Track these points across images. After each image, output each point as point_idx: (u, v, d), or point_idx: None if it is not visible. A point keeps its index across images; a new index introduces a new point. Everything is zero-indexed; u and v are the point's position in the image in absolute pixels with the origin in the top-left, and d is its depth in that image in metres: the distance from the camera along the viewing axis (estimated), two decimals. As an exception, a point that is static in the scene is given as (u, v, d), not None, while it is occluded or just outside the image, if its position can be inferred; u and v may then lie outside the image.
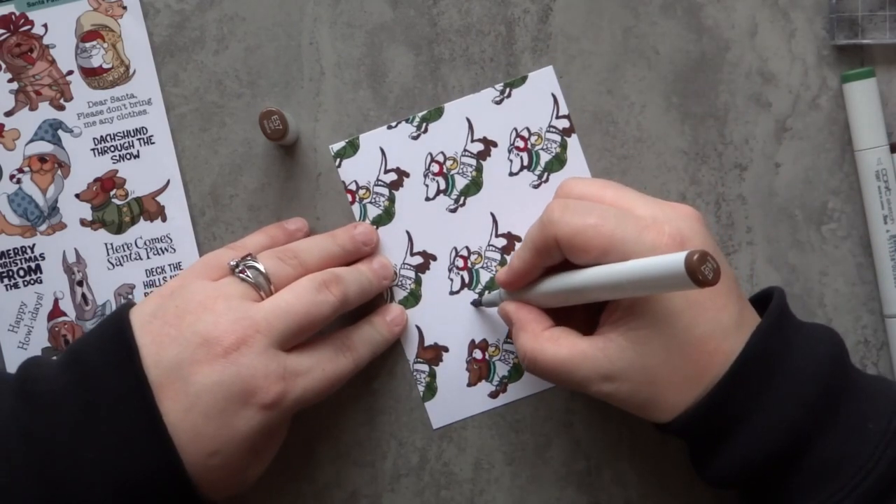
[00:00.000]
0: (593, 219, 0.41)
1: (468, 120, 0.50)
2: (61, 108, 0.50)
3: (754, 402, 0.41)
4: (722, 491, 0.49)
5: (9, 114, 0.50)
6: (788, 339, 0.42)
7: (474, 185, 0.50)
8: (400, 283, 0.50)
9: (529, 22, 0.50)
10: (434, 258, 0.50)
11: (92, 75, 0.50)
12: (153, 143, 0.50)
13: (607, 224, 0.41)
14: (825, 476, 0.41)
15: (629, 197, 0.44)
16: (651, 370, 0.41)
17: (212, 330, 0.42)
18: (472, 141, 0.50)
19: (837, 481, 0.40)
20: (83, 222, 0.50)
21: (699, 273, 0.34)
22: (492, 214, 0.50)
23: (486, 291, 0.50)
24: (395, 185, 0.50)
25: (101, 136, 0.50)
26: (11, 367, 0.50)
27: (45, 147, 0.50)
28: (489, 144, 0.50)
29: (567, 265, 0.43)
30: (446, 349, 0.50)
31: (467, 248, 0.50)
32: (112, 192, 0.50)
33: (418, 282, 0.50)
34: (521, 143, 0.50)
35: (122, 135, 0.50)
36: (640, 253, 0.40)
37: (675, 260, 0.35)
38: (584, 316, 0.46)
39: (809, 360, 0.42)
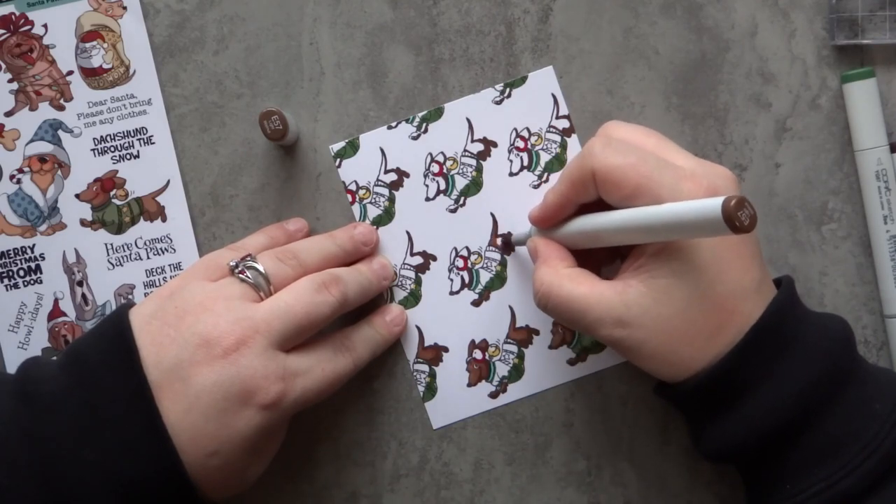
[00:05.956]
0: (633, 158, 0.42)
1: (468, 120, 0.50)
2: (61, 108, 0.50)
3: (765, 371, 0.41)
4: (721, 465, 0.48)
5: (9, 114, 0.50)
6: (801, 317, 0.43)
7: (474, 186, 0.50)
8: (400, 284, 0.50)
9: (529, 22, 0.50)
10: (434, 258, 0.50)
11: (92, 75, 0.50)
12: (153, 143, 0.50)
13: (646, 165, 0.41)
14: (828, 453, 0.41)
15: (670, 148, 0.44)
16: (666, 321, 0.41)
17: (211, 330, 0.42)
18: (472, 141, 0.50)
19: (840, 459, 0.40)
20: (83, 222, 0.50)
21: (736, 219, 0.34)
22: (492, 214, 0.50)
23: (484, 292, 0.50)
24: (395, 186, 0.50)
25: (101, 137, 0.50)
26: (11, 368, 0.50)
27: (45, 147, 0.50)
28: (489, 144, 0.50)
29: (600, 209, 0.43)
30: (446, 349, 0.50)
31: (467, 248, 0.50)
32: (112, 193, 0.50)
33: (418, 282, 0.50)
34: (521, 144, 0.50)
35: (122, 135, 0.50)
36: (676, 200, 0.40)
37: (712, 204, 0.35)
38: (605, 265, 0.46)
39: (822, 337, 0.42)
